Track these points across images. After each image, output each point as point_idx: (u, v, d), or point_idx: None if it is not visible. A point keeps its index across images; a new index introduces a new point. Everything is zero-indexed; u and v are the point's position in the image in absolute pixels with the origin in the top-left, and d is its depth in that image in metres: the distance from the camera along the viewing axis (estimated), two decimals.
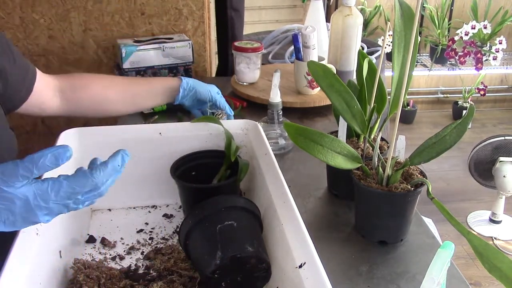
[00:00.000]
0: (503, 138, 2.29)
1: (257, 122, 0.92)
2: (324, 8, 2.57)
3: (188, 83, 1.12)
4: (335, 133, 0.91)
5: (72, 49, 1.49)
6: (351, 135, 0.93)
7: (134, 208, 0.93)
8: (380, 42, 2.71)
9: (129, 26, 1.48)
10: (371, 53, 1.74)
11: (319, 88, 1.31)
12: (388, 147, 0.91)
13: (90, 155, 0.86)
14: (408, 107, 3.49)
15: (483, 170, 2.40)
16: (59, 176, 0.57)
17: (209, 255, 0.66)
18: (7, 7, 1.41)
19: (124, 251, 0.82)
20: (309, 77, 1.29)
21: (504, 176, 2.29)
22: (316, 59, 1.28)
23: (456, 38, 3.02)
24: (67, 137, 0.85)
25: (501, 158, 2.30)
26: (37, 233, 0.63)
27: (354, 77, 1.31)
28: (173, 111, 1.27)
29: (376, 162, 0.80)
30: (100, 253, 0.81)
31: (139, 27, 1.49)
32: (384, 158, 0.79)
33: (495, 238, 2.42)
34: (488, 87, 3.36)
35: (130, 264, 0.78)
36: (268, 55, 1.70)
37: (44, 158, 0.54)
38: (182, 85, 1.11)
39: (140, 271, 0.76)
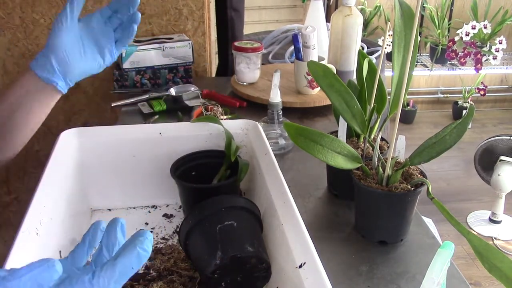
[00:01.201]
0: (508, 138, 2.30)
1: (257, 122, 0.92)
2: (324, 8, 2.57)
3: (51, 70, 0.78)
4: (335, 133, 0.91)
5: None
6: (351, 135, 0.93)
7: (134, 208, 0.93)
8: (380, 42, 2.71)
9: None
10: (371, 53, 1.74)
11: (319, 88, 1.31)
12: (388, 147, 0.91)
13: (90, 155, 0.87)
14: (408, 107, 3.49)
15: (486, 167, 2.41)
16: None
17: (209, 255, 0.66)
18: (7, 7, 1.41)
19: None
20: (309, 77, 1.29)
21: (498, 175, 2.30)
22: (316, 59, 1.28)
23: (456, 38, 3.02)
24: (67, 137, 0.85)
25: (502, 157, 2.31)
26: (37, 233, 0.63)
27: (354, 77, 1.31)
28: (173, 111, 1.27)
29: (376, 162, 0.80)
30: None
31: (139, 27, 1.48)
32: (384, 158, 0.79)
33: (495, 238, 2.42)
34: (488, 87, 3.36)
35: None
36: (268, 55, 1.70)
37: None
38: (53, 83, 0.78)
39: (140, 271, 0.76)
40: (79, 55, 0.78)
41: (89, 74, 0.79)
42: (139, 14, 0.81)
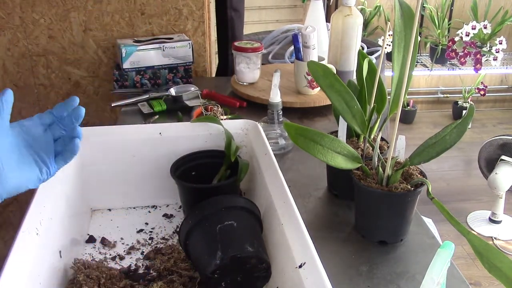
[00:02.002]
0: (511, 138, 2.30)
1: (257, 122, 0.92)
2: (324, 8, 2.57)
3: None
4: (335, 133, 0.91)
5: (72, 49, 1.49)
6: (351, 135, 0.93)
7: (134, 208, 0.93)
8: (380, 42, 2.71)
9: (129, 26, 1.48)
10: (371, 53, 1.74)
11: (319, 88, 1.31)
12: (388, 147, 0.91)
13: (90, 155, 0.87)
14: (408, 107, 3.49)
15: (489, 166, 2.41)
16: None
17: (209, 255, 0.66)
18: (7, 7, 1.41)
19: (124, 251, 0.82)
20: (309, 77, 1.29)
21: (496, 173, 2.29)
22: (316, 59, 1.28)
23: (456, 38, 3.02)
24: None
25: (503, 157, 2.31)
26: (37, 233, 0.63)
27: (354, 77, 1.30)
28: (173, 111, 1.27)
29: (376, 162, 0.80)
30: (100, 253, 0.81)
31: (139, 27, 1.49)
32: (384, 158, 0.79)
33: (495, 238, 2.42)
34: (488, 87, 3.35)
35: (130, 264, 0.78)
36: (268, 55, 1.70)
37: None
38: None
39: (140, 271, 0.76)
40: (16, 164, 0.62)
41: (25, 188, 0.63)
42: (80, 129, 0.68)
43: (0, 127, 0.60)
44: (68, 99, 0.67)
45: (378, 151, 0.81)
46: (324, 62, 1.33)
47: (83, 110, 0.67)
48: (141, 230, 0.87)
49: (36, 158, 0.64)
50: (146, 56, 1.39)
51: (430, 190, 0.72)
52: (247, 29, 1.80)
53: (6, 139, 0.61)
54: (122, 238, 0.85)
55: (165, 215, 0.91)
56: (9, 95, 0.61)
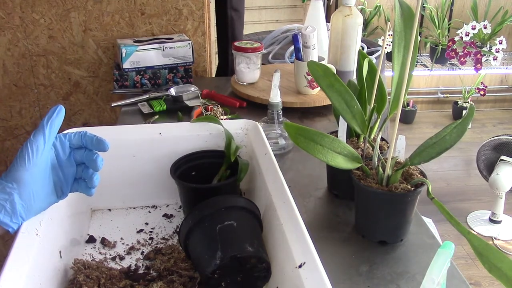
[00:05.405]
0: (510, 138, 2.30)
1: (257, 122, 0.92)
2: (324, 8, 2.57)
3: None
4: (335, 133, 0.91)
5: (72, 49, 1.49)
6: (351, 135, 0.93)
7: (134, 208, 0.93)
8: (380, 42, 2.71)
9: (129, 26, 1.48)
10: (371, 53, 1.74)
11: (319, 88, 1.31)
12: (388, 147, 0.91)
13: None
14: (408, 107, 3.49)
15: (488, 166, 2.41)
16: None
17: (209, 255, 0.66)
18: (7, 7, 1.41)
19: (124, 251, 0.82)
20: (309, 77, 1.29)
21: (497, 174, 2.30)
22: (316, 59, 1.28)
23: (456, 38, 3.02)
24: None
25: (502, 157, 2.31)
26: (37, 233, 0.63)
27: (354, 77, 1.30)
28: (173, 111, 1.27)
29: (376, 162, 0.80)
30: (100, 253, 0.81)
31: (139, 27, 1.49)
32: (384, 158, 0.79)
33: (495, 238, 2.42)
34: (488, 87, 3.35)
35: (130, 264, 0.78)
36: (268, 55, 1.70)
37: None
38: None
39: (140, 271, 0.76)
40: (43, 194, 0.62)
41: (39, 212, 0.64)
42: (98, 179, 0.68)
43: (45, 151, 0.62)
44: (100, 140, 0.67)
45: (378, 151, 0.81)
46: (324, 62, 1.33)
47: (101, 163, 0.68)
48: (141, 230, 0.87)
49: (57, 186, 0.66)
50: (146, 56, 1.39)
51: (430, 190, 0.72)
52: (247, 29, 1.80)
53: (44, 164, 0.62)
54: (122, 238, 0.85)
55: (165, 215, 0.91)
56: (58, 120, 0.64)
